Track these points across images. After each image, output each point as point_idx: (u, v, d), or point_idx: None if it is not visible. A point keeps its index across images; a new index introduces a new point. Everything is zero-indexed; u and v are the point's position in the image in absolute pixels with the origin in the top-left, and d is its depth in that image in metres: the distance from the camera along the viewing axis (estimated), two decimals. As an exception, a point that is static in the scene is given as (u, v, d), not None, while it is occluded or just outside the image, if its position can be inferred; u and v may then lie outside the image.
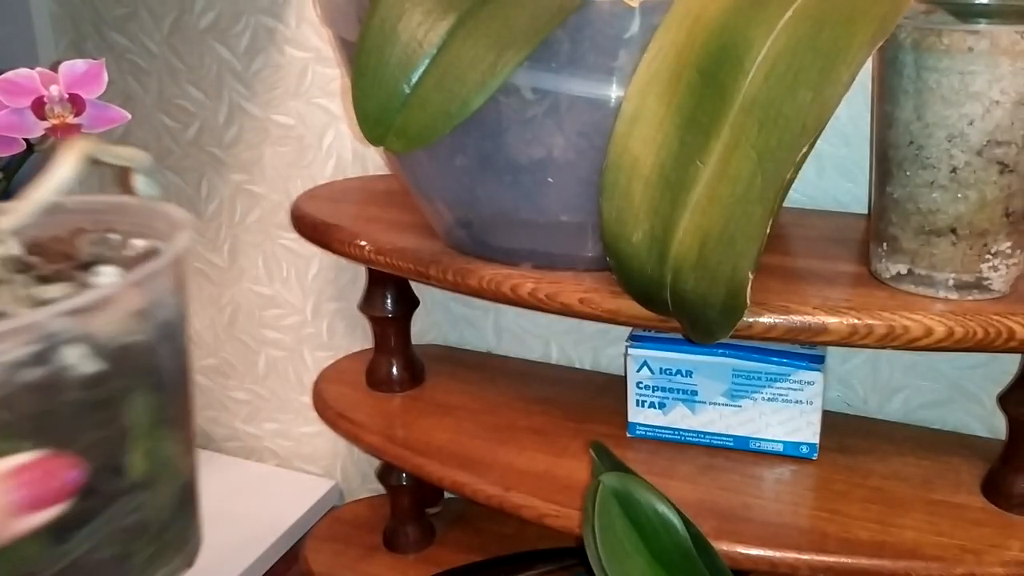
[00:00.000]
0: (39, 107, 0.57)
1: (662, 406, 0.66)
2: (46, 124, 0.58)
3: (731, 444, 0.65)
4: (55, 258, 0.30)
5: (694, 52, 0.46)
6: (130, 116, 0.61)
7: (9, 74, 0.57)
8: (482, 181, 0.57)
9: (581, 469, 0.64)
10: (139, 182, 0.32)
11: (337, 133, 0.83)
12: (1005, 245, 0.51)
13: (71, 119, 0.58)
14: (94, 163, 0.30)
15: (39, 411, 0.26)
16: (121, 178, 0.33)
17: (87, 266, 0.29)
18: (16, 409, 0.25)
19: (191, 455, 0.31)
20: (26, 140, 0.59)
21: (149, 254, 0.30)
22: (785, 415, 0.63)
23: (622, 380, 0.67)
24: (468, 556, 0.77)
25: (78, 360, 0.26)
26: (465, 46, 0.50)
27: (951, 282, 0.52)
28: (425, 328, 0.86)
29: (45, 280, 0.29)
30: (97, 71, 0.58)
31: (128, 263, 0.30)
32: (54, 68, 0.58)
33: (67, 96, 0.58)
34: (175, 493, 0.29)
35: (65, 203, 0.31)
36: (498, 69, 0.49)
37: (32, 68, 0.58)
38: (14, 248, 0.29)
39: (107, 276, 0.29)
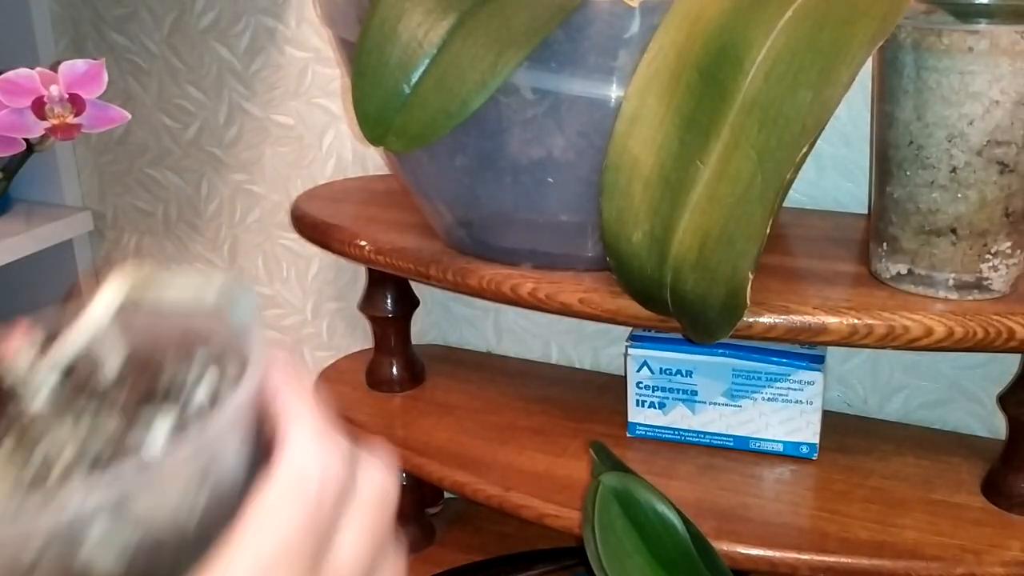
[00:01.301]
0: (39, 107, 0.57)
1: (662, 406, 0.66)
2: (46, 124, 0.58)
3: (731, 444, 0.65)
4: (141, 378, 0.26)
5: (694, 52, 0.46)
6: (130, 116, 0.61)
7: (9, 74, 0.57)
8: (482, 181, 0.57)
9: (581, 469, 0.64)
10: (235, 306, 0.28)
11: (337, 133, 0.83)
12: (1005, 245, 0.51)
13: (71, 119, 0.58)
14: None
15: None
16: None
17: (166, 396, 0.25)
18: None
19: None
20: (26, 140, 0.59)
21: (212, 406, 0.24)
22: (785, 415, 0.63)
23: (622, 380, 0.67)
24: (468, 556, 0.77)
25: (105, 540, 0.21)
26: (465, 46, 0.50)
27: (951, 282, 0.52)
28: (425, 328, 0.86)
29: (124, 405, 0.25)
30: (97, 71, 0.58)
31: (190, 418, 0.24)
32: (54, 68, 0.58)
33: (67, 96, 0.58)
34: None
35: (167, 308, 0.27)
36: (498, 69, 0.49)
37: (32, 68, 0.58)
38: (82, 371, 0.26)
39: (159, 437, 0.23)
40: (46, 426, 0.24)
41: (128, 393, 0.25)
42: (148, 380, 0.26)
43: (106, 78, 0.59)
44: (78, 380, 0.25)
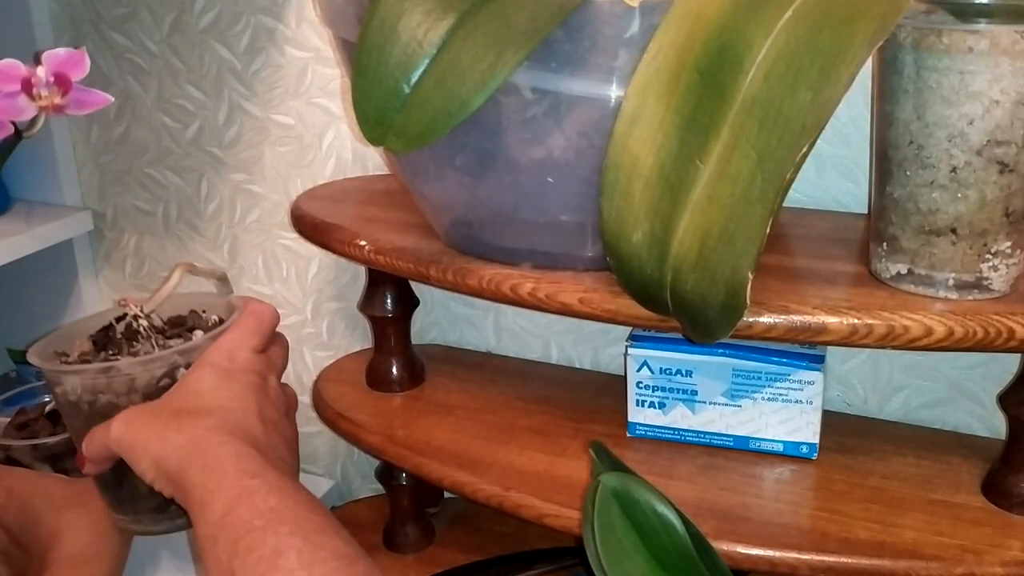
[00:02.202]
0: (27, 90, 0.58)
1: (662, 406, 0.66)
2: (34, 106, 0.59)
3: (731, 444, 0.65)
4: (177, 325, 0.59)
5: (694, 52, 0.46)
6: (112, 99, 0.62)
7: None
8: (482, 181, 0.57)
9: (581, 469, 0.64)
10: (216, 286, 0.63)
11: (337, 133, 0.83)
12: (1005, 245, 0.51)
13: (58, 99, 0.59)
14: (192, 272, 0.60)
15: None
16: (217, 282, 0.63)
17: (191, 329, 0.58)
18: None
19: None
20: (14, 125, 0.60)
21: (219, 323, 0.59)
22: (785, 415, 0.63)
23: (622, 380, 0.67)
24: (468, 556, 0.77)
25: None
26: (465, 46, 0.50)
27: (951, 282, 0.52)
28: (425, 328, 0.86)
29: (170, 337, 0.58)
30: (79, 56, 0.60)
31: (208, 328, 0.59)
32: (36, 59, 0.59)
33: (52, 78, 0.59)
34: None
35: (184, 297, 0.61)
36: (498, 69, 0.49)
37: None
38: (156, 320, 0.58)
39: (198, 335, 0.57)
40: (149, 335, 0.57)
41: (187, 325, 0.59)
42: (189, 323, 0.60)
43: (88, 62, 0.60)
44: (155, 322, 0.59)
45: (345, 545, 0.45)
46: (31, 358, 0.56)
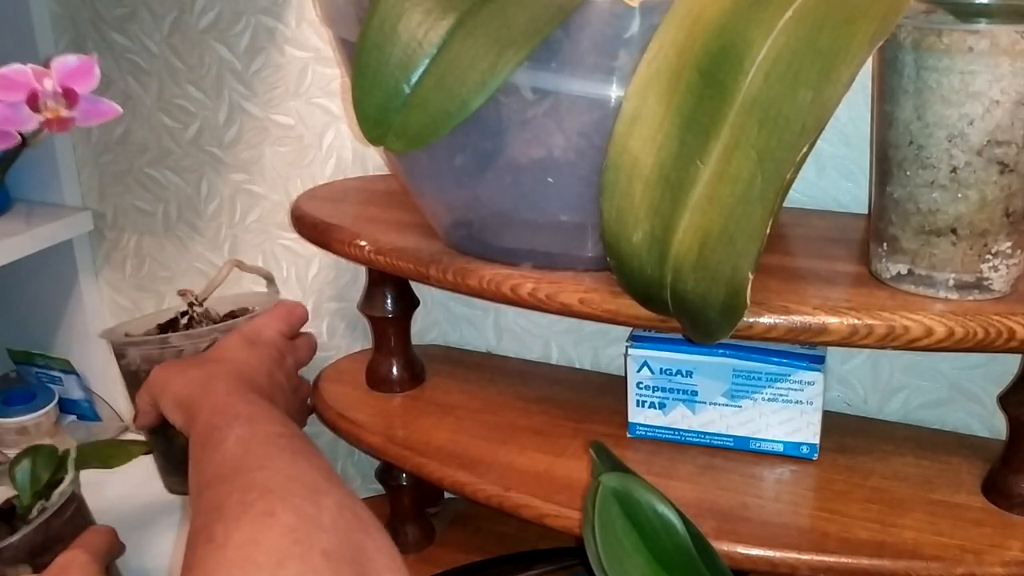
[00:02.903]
0: (33, 101, 0.57)
1: (662, 406, 0.66)
2: (40, 117, 0.58)
3: (731, 444, 0.65)
4: (231, 317, 0.72)
5: (694, 52, 0.46)
6: (121, 110, 0.62)
7: (2, 69, 0.58)
8: (482, 181, 0.57)
9: (581, 469, 0.64)
10: (266, 285, 0.79)
11: (337, 133, 0.83)
12: (1005, 245, 0.51)
13: (64, 112, 0.58)
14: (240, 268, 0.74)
15: None
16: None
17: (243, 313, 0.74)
18: None
19: None
20: (20, 134, 0.60)
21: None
22: (785, 415, 0.63)
23: (622, 380, 0.67)
24: (468, 556, 0.77)
25: None
26: (465, 46, 0.50)
27: (951, 282, 0.52)
28: (425, 328, 0.86)
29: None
30: (89, 66, 0.59)
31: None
32: (46, 63, 0.58)
33: (60, 90, 0.58)
34: None
35: (242, 296, 0.75)
36: (498, 69, 0.49)
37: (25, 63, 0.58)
38: (215, 314, 0.72)
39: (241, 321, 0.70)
40: (205, 318, 0.73)
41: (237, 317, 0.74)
42: (239, 316, 0.73)
43: (98, 72, 0.59)
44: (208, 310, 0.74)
45: (280, 426, 0.53)
46: (102, 336, 0.70)
